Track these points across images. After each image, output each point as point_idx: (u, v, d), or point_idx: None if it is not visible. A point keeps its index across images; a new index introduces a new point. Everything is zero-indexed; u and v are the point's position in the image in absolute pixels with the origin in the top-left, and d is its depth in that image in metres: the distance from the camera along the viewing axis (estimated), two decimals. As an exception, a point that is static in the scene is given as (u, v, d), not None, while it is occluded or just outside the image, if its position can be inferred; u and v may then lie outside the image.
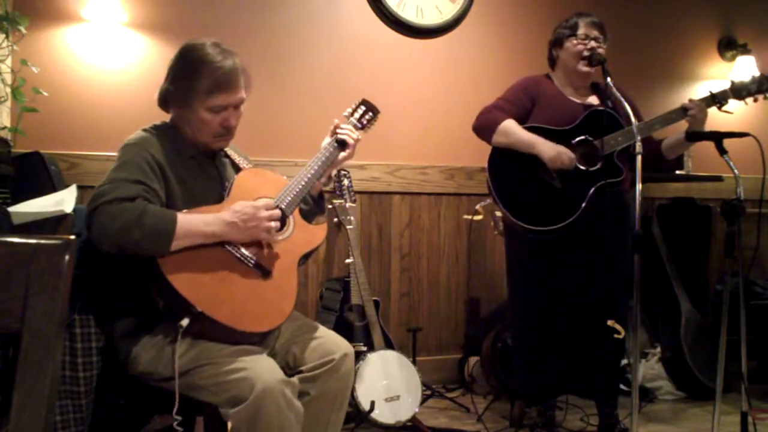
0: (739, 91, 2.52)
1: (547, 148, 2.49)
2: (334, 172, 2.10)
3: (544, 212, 2.52)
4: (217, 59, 1.75)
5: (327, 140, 2.01)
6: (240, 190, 1.80)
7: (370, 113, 2.11)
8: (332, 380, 1.80)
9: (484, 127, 2.64)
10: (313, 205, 2.02)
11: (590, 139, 2.52)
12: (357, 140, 2.01)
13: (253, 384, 1.55)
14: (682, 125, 2.57)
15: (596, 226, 2.47)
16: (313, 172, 1.90)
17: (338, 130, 1.99)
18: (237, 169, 1.93)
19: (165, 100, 1.84)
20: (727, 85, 2.56)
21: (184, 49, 1.81)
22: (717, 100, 2.51)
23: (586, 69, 2.56)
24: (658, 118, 2.51)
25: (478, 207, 3.23)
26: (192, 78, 1.75)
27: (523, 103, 2.65)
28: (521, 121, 2.61)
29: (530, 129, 2.57)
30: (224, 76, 1.75)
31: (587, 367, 2.63)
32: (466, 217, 3.31)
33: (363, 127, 2.11)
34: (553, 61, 2.72)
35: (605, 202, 2.43)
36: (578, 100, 2.64)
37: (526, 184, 2.56)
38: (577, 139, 2.53)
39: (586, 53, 2.55)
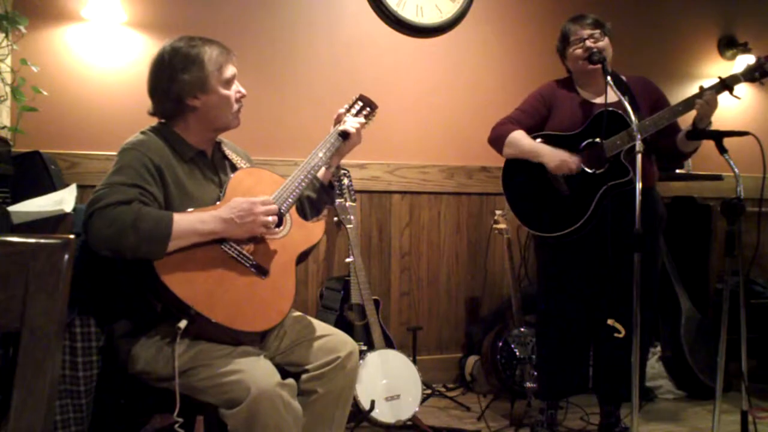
0: (751, 73, 2.40)
1: (551, 158, 2.52)
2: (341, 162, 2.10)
3: (554, 218, 2.55)
4: (201, 42, 1.81)
5: (332, 129, 2.02)
6: (235, 190, 1.79)
7: (368, 108, 2.09)
8: (338, 378, 1.81)
9: (495, 140, 2.70)
10: (321, 191, 2.01)
11: (597, 141, 2.51)
12: (359, 128, 2.00)
13: (248, 387, 1.55)
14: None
15: (608, 227, 2.46)
16: (309, 170, 1.89)
17: (342, 125, 1.99)
18: (235, 170, 1.92)
19: (178, 99, 1.78)
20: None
21: (167, 54, 1.79)
22: (727, 84, 2.40)
23: (591, 67, 2.54)
24: (664, 111, 2.45)
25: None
26: (198, 63, 1.77)
27: (539, 111, 2.67)
28: (538, 128, 2.64)
29: (539, 137, 2.60)
30: (220, 49, 1.82)
31: (603, 367, 2.67)
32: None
33: None
34: (569, 71, 2.73)
35: (619, 203, 2.43)
36: (597, 100, 2.62)
37: (537, 192, 2.60)
38: (585, 142, 2.53)
39: (585, 54, 2.55)
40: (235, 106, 1.85)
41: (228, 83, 1.82)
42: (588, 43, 2.55)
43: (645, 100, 2.58)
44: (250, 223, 1.68)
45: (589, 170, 2.52)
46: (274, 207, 1.74)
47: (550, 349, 2.74)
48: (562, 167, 2.51)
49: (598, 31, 2.58)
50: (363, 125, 2.03)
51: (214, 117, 1.82)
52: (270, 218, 1.71)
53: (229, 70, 1.83)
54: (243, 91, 1.88)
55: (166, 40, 1.84)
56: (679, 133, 2.56)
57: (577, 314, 2.64)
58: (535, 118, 2.67)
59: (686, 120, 2.49)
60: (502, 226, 3.22)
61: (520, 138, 2.61)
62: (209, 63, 1.78)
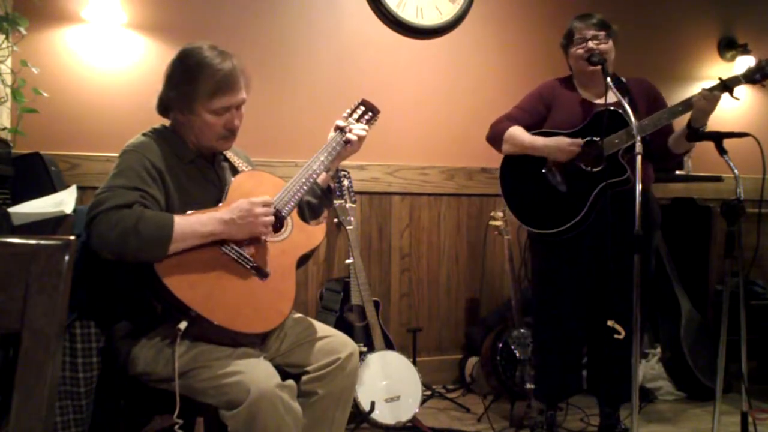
0: (752, 75, 2.39)
1: (550, 148, 2.52)
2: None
3: (551, 215, 2.55)
4: (216, 61, 1.75)
5: (332, 134, 2.01)
6: (236, 192, 1.79)
7: (370, 113, 2.09)
8: (338, 379, 1.82)
9: (493, 138, 2.72)
10: (321, 196, 2.02)
11: (596, 139, 2.51)
12: (362, 137, 2.00)
13: (248, 388, 1.56)
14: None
15: (608, 226, 2.46)
16: (310, 173, 1.89)
17: (348, 133, 1.99)
18: (236, 172, 1.93)
19: (166, 107, 1.83)
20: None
21: (181, 54, 1.80)
22: (728, 86, 2.40)
23: (591, 68, 2.55)
24: (663, 111, 2.46)
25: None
26: (193, 82, 1.74)
27: (537, 110, 2.68)
28: (537, 127, 2.65)
29: (538, 134, 2.61)
30: (225, 78, 1.75)
31: (602, 368, 2.67)
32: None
33: None
34: (571, 69, 2.73)
35: (613, 202, 2.43)
36: (596, 100, 2.63)
37: (534, 189, 2.60)
38: (584, 140, 2.53)
39: (585, 54, 2.55)
40: (222, 132, 1.81)
41: (216, 112, 1.77)
42: (590, 44, 2.55)
43: (643, 101, 2.59)
44: (250, 224, 1.69)
45: (586, 168, 2.52)
46: (272, 209, 1.74)
47: (544, 351, 2.73)
48: (561, 152, 2.49)
49: (603, 32, 2.57)
50: (364, 136, 2.03)
51: (196, 135, 1.82)
52: (269, 218, 1.72)
53: (222, 101, 1.76)
54: (236, 123, 1.82)
55: (193, 41, 1.81)
56: (671, 135, 2.58)
57: (571, 314, 2.63)
58: (534, 117, 2.67)
59: (680, 122, 2.50)
60: (498, 223, 3.22)
61: (517, 134, 2.62)
62: (203, 87, 1.74)
